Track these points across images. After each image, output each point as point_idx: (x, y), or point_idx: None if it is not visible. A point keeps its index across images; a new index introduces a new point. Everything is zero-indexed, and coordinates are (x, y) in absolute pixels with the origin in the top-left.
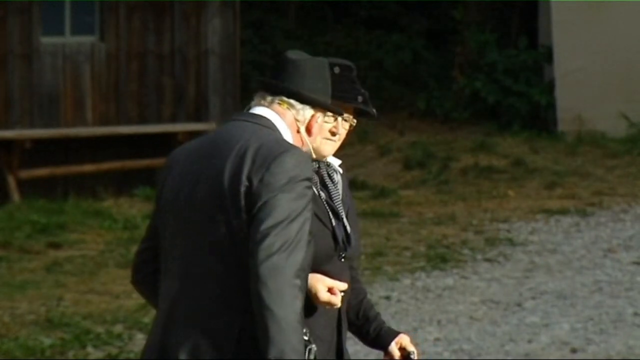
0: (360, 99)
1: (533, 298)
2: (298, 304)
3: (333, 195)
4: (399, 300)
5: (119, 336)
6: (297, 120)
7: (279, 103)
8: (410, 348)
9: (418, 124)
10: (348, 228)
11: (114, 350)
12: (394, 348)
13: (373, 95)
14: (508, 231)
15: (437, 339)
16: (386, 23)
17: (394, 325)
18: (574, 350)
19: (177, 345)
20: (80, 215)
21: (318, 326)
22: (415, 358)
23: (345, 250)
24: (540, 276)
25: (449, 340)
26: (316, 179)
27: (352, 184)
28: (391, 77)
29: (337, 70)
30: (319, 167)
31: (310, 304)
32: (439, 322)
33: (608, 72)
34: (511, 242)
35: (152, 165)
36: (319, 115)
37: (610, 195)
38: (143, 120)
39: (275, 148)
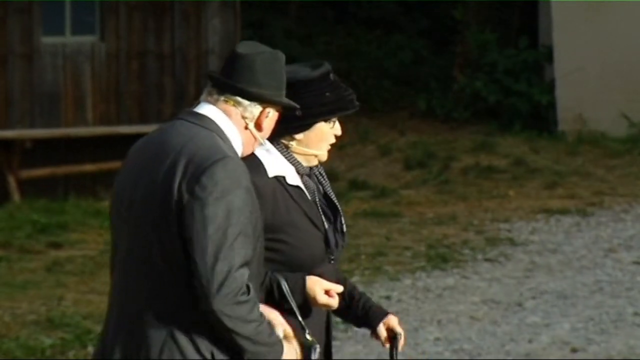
0: (357, 102)
1: (534, 298)
2: (256, 312)
3: (329, 192)
4: (399, 300)
5: None
6: (244, 117)
7: (225, 100)
8: (398, 329)
9: (418, 124)
10: (345, 226)
11: None
12: (381, 329)
13: (373, 95)
14: (509, 231)
15: (437, 339)
16: (386, 23)
17: None
18: (574, 350)
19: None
20: (81, 215)
21: (311, 326)
22: (401, 342)
23: (336, 248)
24: (541, 276)
25: (450, 340)
26: (313, 186)
27: (353, 184)
28: (391, 77)
29: (332, 77)
30: (310, 170)
31: (306, 305)
32: (439, 322)
33: (609, 72)
34: (512, 242)
35: None
36: (269, 110)
37: (610, 195)
38: (143, 120)
39: (207, 158)
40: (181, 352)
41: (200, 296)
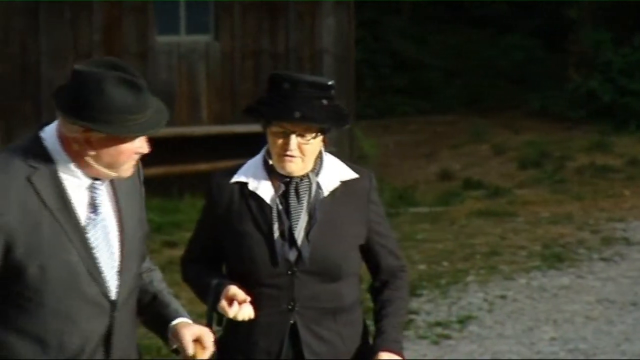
0: (297, 114)
1: None
2: None
3: (292, 211)
4: (514, 300)
5: None
6: (69, 136)
7: (59, 115)
8: None
9: (533, 123)
10: (298, 242)
11: None
12: None
13: (487, 94)
14: (624, 230)
15: (553, 339)
16: (499, 22)
17: (509, 325)
18: None
19: None
20: (196, 214)
21: (264, 340)
22: None
23: (297, 264)
24: None
25: (565, 340)
26: (269, 191)
27: (467, 183)
28: (505, 76)
29: (286, 85)
30: (289, 180)
31: (256, 315)
32: (554, 321)
33: None
34: (627, 242)
35: None
36: (93, 134)
37: None
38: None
39: None
40: None
41: None
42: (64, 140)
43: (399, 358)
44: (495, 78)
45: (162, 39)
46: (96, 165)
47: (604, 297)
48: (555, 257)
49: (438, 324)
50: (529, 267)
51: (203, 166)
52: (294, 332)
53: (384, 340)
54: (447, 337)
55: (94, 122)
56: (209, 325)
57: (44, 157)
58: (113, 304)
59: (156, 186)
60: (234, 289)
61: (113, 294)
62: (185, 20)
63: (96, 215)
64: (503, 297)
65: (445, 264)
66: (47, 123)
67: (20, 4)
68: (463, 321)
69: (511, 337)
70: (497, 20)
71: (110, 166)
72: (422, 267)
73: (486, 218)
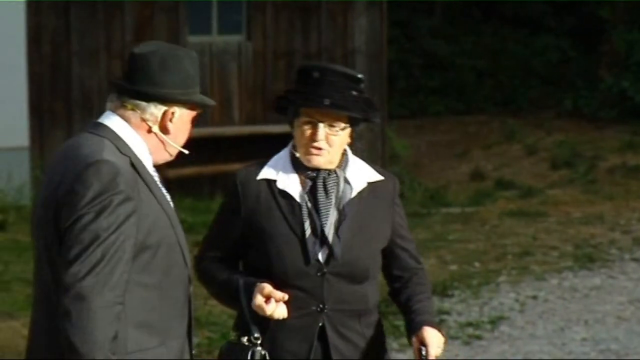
0: (326, 101)
1: None
2: (105, 334)
3: (321, 208)
4: (546, 300)
5: None
6: (145, 120)
7: (123, 105)
8: (429, 342)
9: (565, 123)
10: (329, 239)
11: None
12: (415, 343)
13: (520, 94)
14: None
15: (584, 339)
16: (533, 22)
17: (540, 326)
18: None
19: None
20: None
21: (292, 342)
22: (428, 357)
23: (327, 266)
24: None
25: (596, 340)
26: (298, 188)
27: (499, 183)
28: (538, 76)
29: (316, 74)
30: (316, 175)
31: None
32: (586, 322)
33: None
34: None
35: None
36: (175, 110)
37: None
38: None
39: (79, 164)
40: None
41: (58, 294)
42: (136, 126)
43: (441, 336)
44: (528, 78)
45: (194, 39)
46: (174, 144)
47: (635, 297)
48: (586, 258)
49: (469, 324)
50: (560, 267)
51: (235, 166)
52: (321, 333)
53: (425, 321)
54: (479, 337)
55: (185, 96)
56: (247, 330)
57: (126, 145)
58: (191, 285)
59: (188, 186)
60: (269, 287)
61: (191, 275)
62: (217, 20)
63: (168, 197)
64: (534, 297)
65: (476, 264)
66: (97, 120)
67: (51, 4)
68: (494, 321)
69: (542, 338)
70: (530, 21)
71: (181, 144)
72: (453, 267)
73: (518, 218)
